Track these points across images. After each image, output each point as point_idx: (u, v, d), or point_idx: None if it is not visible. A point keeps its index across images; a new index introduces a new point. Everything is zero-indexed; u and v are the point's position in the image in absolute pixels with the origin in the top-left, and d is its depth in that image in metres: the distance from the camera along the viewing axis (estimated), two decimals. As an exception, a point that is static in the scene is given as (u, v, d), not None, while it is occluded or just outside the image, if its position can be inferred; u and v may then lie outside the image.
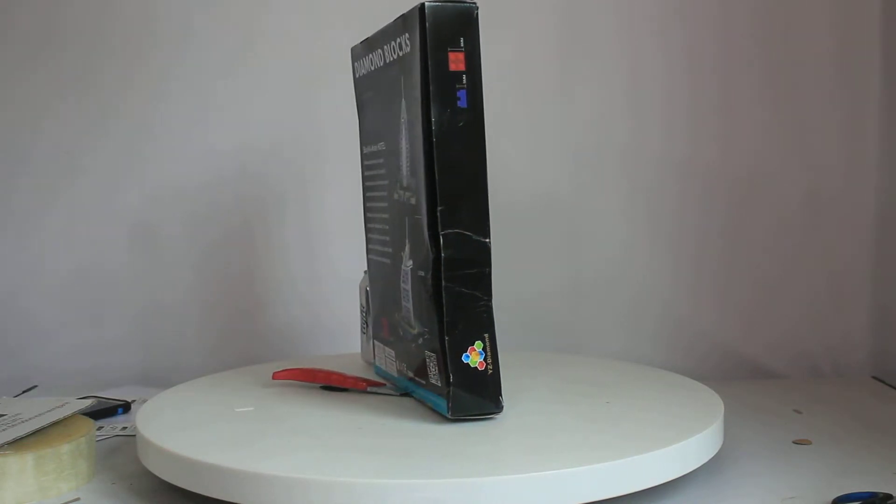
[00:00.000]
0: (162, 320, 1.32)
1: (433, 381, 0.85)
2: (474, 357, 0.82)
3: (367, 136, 1.00)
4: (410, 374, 0.91)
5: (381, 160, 0.94)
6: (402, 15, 0.85)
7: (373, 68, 0.94)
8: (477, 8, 0.82)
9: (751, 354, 1.28)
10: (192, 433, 0.84)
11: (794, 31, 1.25)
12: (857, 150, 1.26)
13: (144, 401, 1.02)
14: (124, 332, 1.32)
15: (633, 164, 1.28)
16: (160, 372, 1.29)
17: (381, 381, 0.99)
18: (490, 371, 0.83)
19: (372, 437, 0.81)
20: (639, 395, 0.93)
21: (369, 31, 0.94)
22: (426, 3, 0.80)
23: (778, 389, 1.17)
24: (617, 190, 1.29)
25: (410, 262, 0.87)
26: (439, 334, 0.82)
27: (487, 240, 0.82)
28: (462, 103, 0.81)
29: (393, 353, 0.95)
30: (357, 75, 1.00)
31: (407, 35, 0.84)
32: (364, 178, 1.01)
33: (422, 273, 0.84)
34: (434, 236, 0.82)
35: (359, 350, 1.15)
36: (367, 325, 1.09)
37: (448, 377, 0.82)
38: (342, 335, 1.28)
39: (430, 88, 0.81)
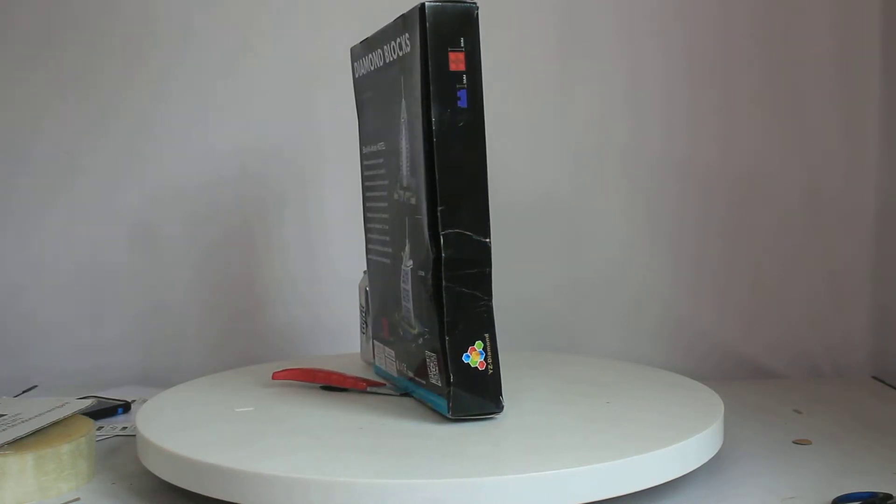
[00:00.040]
0: (162, 320, 1.32)
1: (433, 381, 0.85)
2: (475, 357, 0.82)
3: (366, 137, 1.00)
4: (410, 374, 0.91)
5: (380, 160, 0.94)
6: (402, 15, 0.85)
7: (372, 68, 0.94)
8: (477, 8, 0.82)
9: (751, 354, 1.28)
10: (192, 433, 0.84)
11: (794, 31, 1.25)
12: (857, 150, 1.26)
13: (144, 401, 1.02)
14: (124, 332, 1.32)
15: (633, 164, 1.28)
16: (160, 372, 1.29)
17: (381, 381, 0.99)
18: (490, 371, 0.83)
19: (372, 437, 0.81)
20: (639, 395, 0.93)
21: (369, 31, 0.94)
22: (426, 3, 0.80)
23: (778, 389, 1.17)
24: (617, 190, 1.29)
25: (411, 262, 0.87)
26: (440, 334, 0.82)
27: (488, 240, 0.82)
28: (462, 103, 0.81)
29: (393, 353, 0.95)
30: (357, 75, 1.00)
31: (407, 35, 0.84)
32: (364, 179, 1.01)
33: (422, 273, 0.84)
34: (434, 236, 0.82)
35: (358, 350, 1.15)
36: (367, 325, 1.09)
37: (448, 377, 0.82)
38: (342, 335, 1.28)
39: (431, 88, 0.81)
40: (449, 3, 0.81)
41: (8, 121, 1.31)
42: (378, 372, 1.02)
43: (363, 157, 1.01)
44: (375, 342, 1.01)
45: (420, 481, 0.70)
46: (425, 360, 0.86)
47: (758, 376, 1.27)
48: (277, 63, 1.29)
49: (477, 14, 0.82)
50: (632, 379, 1.00)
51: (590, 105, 1.28)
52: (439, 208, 0.81)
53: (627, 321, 1.29)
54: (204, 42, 1.29)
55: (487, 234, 0.82)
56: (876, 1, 1.24)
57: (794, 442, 0.94)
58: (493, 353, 0.83)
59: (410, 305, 0.88)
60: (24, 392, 1.26)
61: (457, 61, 0.81)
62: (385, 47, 0.90)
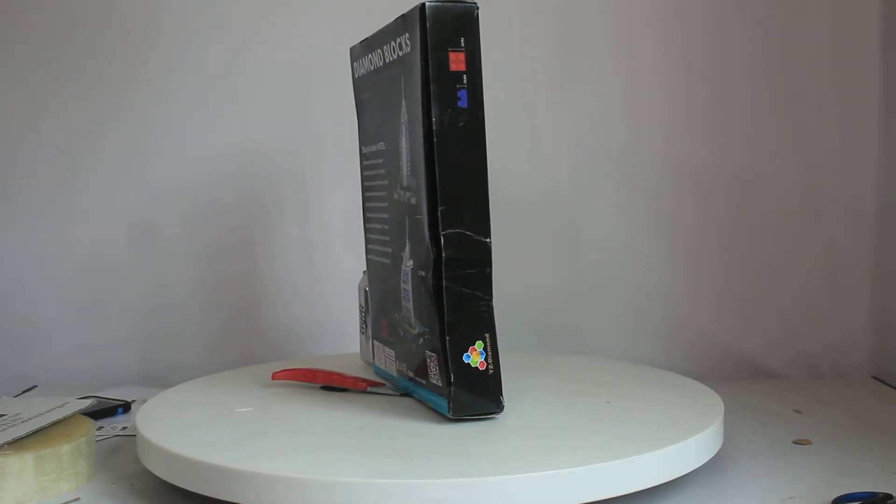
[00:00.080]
0: (162, 320, 1.32)
1: (434, 381, 0.85)
2: (475, 357, 0.82)
3: (366, 137, 1.00)
4: (411, 374, 0.91)
5: (380, 160, 0.94)
6: (402, 15, 0.85)
7: (372, 68, 0.94)
8: (477, 8, 0.82)
9: (751, 354, 1.28)
10: (192, 433, 0.84)
11: (794, 31, 1.25)
12: (857, 150, 1.26)
13: (144, 401, 1.02)
14: (124, 332, 1.32)
15: (633, 164, 1.28)
16: (160, 372, 1.29)
17: (381, 381, 0.99)
18: (491, 371, 0.83)
19: (372, 437, 0.81)
20: (639, 395, 0.93)
21: (369, 31, 0.94)
22: (427, 3, 0.80)
23: (778, 389, 1.17)
24: (617, 190, 1.29)
25: (411, 262, 0.87)
26: (440, 334, 0.82)
27: (488, 239, 0.82)
28: (462, 103, 0.81)
29: (393, 353, 0.95)
30: (356, 75, 1.00)
31: (407, 35, 0.84)
32: (363, 179, 1.01)
33: (422, 273, 0.84)
34: (435, 236, 0.82)
35: (358, 350, 1.15)
36: (366, 325, 1.09)
37: (449, 377, 0.82)
38: (342, 335, 1.28)
39: (431, 88, 0.81)
40: (449, 3, 0.81)
41: (8, 121, 1.31)
42: (378, 372, 1.02)
43: (363, 157, 1.01)
44: (375, 342, 1.01)
45: (420, 481, 0.70)
46: (425, 360, 0.86)
47: (758, 376, 1.27)
48: (277, 63, 1.29)
49: (477, 14, 0.82)
50: (632, 379, 1.00)
51: (590, 105, 1.28)
52: (440, 208, 0.81)
53: (627, 321, 1.29)
54: (204, 42, 1.29)
55: (488, 234, 0.82)
56: (876, 1, 1.25)
57: (794, 442, 0.94)
58: (493, 353, 0.83)
59: (411, 305, 0.88)
60: (24, 392, 1.26)
61: (457, 61, 0.81)
62: (385, 47, 0.90)
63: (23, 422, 0.86)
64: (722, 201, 1.28)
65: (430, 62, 0.80)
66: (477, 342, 0.83)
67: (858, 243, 1.27)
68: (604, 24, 1.27)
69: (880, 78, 1.25)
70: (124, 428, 1.03)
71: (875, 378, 1.24)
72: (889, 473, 0.84)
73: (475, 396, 0.83)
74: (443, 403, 0.83)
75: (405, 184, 0.87)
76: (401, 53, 0.86)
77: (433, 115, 0.81)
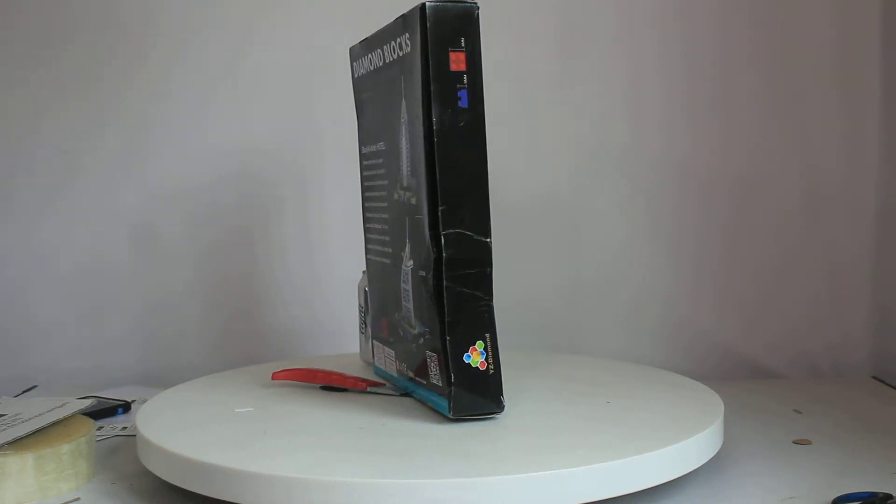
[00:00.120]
0: (162, 320, 1.32)
1: (434, 381, 0.85)
2: (475, 357, 0.82)
3: (366, 137, 1.00)
4: (411, 374, 0.91)
5: (380, 160, 0.94)
6: (403, 15, 0.85)
7: (372, 68, 0.94)
8: (478, 8, 0.82)
9: (751, 354, 1.28)
10: (192, 433, 0.84)
11: (794, 31, 1.25)
12: (857, 150, 1.26)
13: (144, 401, 1.02)
14: (124, 332, 1.32)
15: (633, 164, 1.28)
16: (160, 372, 1.29)
17: (381, 381, 0.99)
18: (491, 371, 0.83)
19: (372, 437, 0.81)
20: (639, 395, 0.93)
21: (369, 31, 0.94)
22: (427, 3, 0.80)
23: (778, 389, 1.17)
24: (617, 190, 1.29)
25: (411, 262, 0.87)
26: (440, 334, 0.82)
27: (488, 239, 0.82)
28: (463, 103, 0.81)
29: (393, 353, 0.95)
30: (356, 75, 1.00)
31: (407, 35, 0.84)
32: (363, 179, 1.01)
33: (423, 273, 0.84)
34: (435, 236, 0.82)
35: (358, 350, 1.15)
36: (366, 325, 1.09)
37: (449, 377, 0.82)
38: (342, 335, 1.28)
39: (431, 88, 0.81)
40: (449, 3, 0.81)
41: (8, 121, 1.31)
42: (378, 372, 1.02)
43: (363, 157, 1.01)
44: (375, 342, 1.01)
45: (420, 481, 0.70)
46: (426, 360, 0.86)
47: (758, 376, 1.27)
48: (277, 63, 1.29)
49: (477, 14, 0.82)
50: (632, 379, 1.00)
51: (590, 105, 1.28)
52: (440, 208, 0.81)
53: (627, 321, 1.29)
54: (204, 42, 1.29)
55: (488, 234, 0.82)
56: (876, 1, 1.25)
57: (794, 442, 0.94)
58: (493, 353, 0.83)
59: (411, 305, 0.88)
60: (24, 392, 1.26)
61: (457, 61, 0.81)
62: (385, 47, 0.90)
63: (23, 422, 0.86)
64: (722, 201, 1.28)
65: (430, 62, 0.80)
66: (477, 342, 0.83)
67: (858, 243, 1.27)
68: (604, 24, 1.27)
69: (880, 78, 1.25)
70: (124, 428, 1.03)
71: (875, 378, 1.24)
72: (889, 473, 0.84)
73: (475, 396, 0.83)
74: (443, 403, 0.83)
75: (405, 184, 0.87)
76: (401, 53, 0.86)
77: (433, 115, 0.81)
